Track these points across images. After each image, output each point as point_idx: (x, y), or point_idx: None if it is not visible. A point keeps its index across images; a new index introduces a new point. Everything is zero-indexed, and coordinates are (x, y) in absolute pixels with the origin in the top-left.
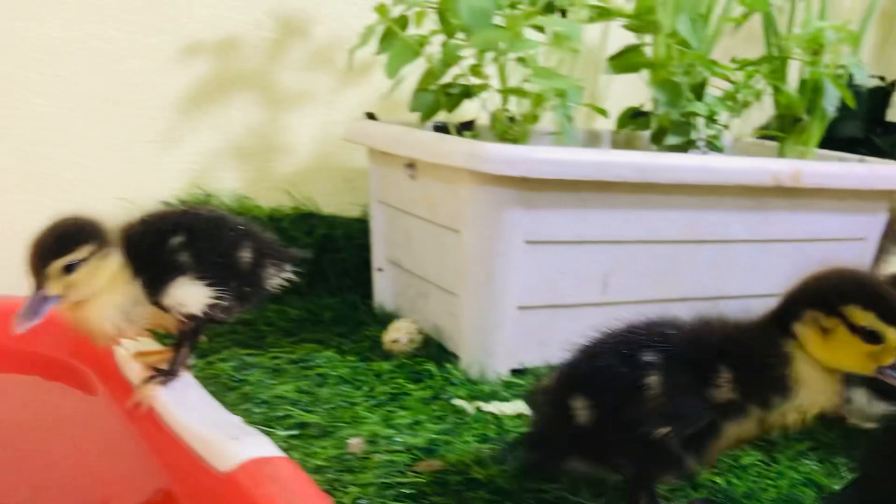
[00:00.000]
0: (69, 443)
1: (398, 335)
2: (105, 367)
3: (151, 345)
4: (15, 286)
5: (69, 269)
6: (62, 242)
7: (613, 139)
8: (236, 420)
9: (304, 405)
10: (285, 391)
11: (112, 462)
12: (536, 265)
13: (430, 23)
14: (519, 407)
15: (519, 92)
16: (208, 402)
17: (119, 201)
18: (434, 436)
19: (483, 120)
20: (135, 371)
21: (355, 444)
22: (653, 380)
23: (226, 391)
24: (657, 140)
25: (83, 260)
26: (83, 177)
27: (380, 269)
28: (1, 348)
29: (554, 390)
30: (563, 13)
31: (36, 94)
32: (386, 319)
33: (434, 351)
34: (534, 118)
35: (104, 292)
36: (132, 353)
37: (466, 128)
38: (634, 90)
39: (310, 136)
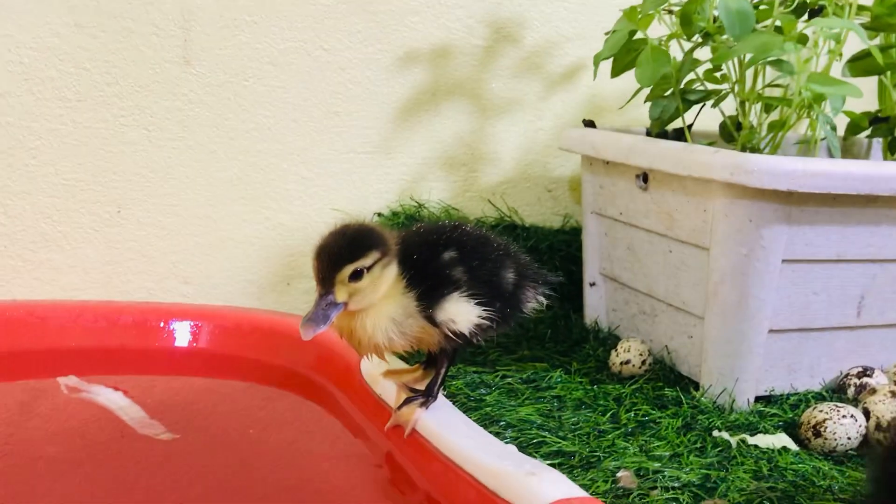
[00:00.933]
0: (319, 457)
1: (629, 356)
2: (349, 383)
3: (397, 363)
4: (236, 295)
5: (356, 275)
6: (352, 248)
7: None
8: (512, 449)
9: (553, 430)
10: (528, 414)
11: (365, 483)
12: (791, 286)
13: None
14: (784, 440)
15: (780, 100)
16: (475, 428)
17: (335, 212)
18: (704, 471)
19: (698, 127)
20: (385, 389)
21: (625, 477)
22: None
23: (466, 411)
24: (894, 149)
25: (369, 267)
26: (302, 188)
27: (592, 284)
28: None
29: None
30: (813, 13)
31: (258, 105)
32: (603, 337)
33: (666, 374)
34: (787, 126)
35: (381, 302)
36: (382, 370)
37: (679, 135)
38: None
39: (515, 145)
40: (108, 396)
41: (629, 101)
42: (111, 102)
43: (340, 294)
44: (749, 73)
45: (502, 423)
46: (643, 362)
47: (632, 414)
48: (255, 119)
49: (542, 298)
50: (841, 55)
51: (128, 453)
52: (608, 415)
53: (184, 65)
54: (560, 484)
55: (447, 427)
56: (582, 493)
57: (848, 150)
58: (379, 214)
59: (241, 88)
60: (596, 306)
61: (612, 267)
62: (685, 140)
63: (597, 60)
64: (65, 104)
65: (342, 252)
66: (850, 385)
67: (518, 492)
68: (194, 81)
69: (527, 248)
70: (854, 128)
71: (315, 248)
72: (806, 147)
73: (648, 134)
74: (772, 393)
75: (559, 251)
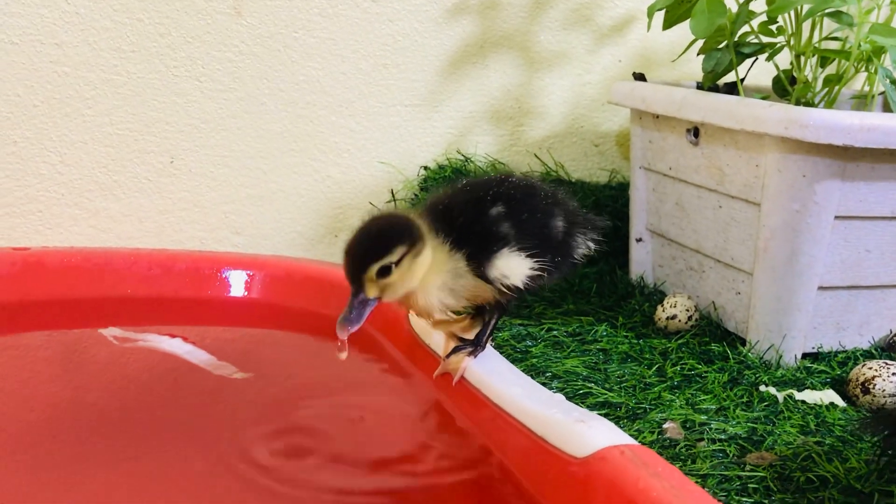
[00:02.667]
0: (373, 405)
1: (675, 312)
2: (397, 332)
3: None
4: (285, 246)
5: (383, 272)
6: (377, 246)
7: (884, 102)
8: (560, 398)
9: (599, 382)
10: (574, 366)
11: (419, 429)
12: (843, 242)
13: None
14: (832, 396)
15: (838, 52)
16: (523, 376)
17: (381, 165)
18: (751, 424)
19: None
20: (433, 339)
21: (672, 428)
22: None
23: (513, 362)
24: None
25: (397, 262)
26: (350, 140)
27: (639, 240)
28: (288, 309)
29: None
30: None
31: (307, 56)
32: (649, 293)
33: (713, 330)
34: (845, 80)
35: (426, 278)
36: (431, 321)
37: (732, 89)
38: None
39: (562, 99)
40: (169, 343)
41: (683, 52)
42: (164, 53)
43: (371, 291)
44: (806, 25)
45: (548, 374)
46: (689, 318)
47: (678, 368)
48: (304, 71)
49: (591, 244)
50: None
51: (209, 391)
52: (654, 368)
53: (235, 16)
54: (608, 431)
55: (495, 375)
56: (630, 441)
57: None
58: (425, 168)
59: (290, 40)
60: (642, 262)
61: (659, 222)
62: (738, 94)
63: (651, 11)
64: (119, 55)
65: (367, 251)
66: None
67: (567, 438)
68: (245, 33)
69: None
70: None
71: (344, 246)
72: (862, 102)
73: (700, 88)
74: (819, 350)
75: (606, 206)
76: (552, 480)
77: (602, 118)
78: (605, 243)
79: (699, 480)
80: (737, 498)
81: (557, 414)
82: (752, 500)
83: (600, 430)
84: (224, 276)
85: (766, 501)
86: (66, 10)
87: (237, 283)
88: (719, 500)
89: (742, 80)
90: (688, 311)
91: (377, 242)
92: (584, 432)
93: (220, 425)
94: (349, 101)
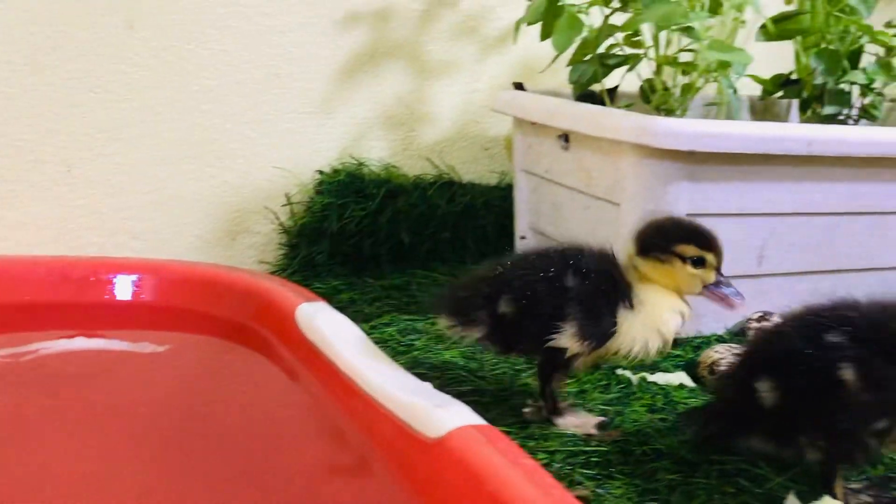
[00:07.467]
0: (255, 402)
1: None
2: (286, 330)
3: None
4: (184, 250)
5: None
6: None
7: (752, 106)
8: (428, 386)
9: (474, 371)
10: (452, 357)
11: (302, 422)
12: None
13: None
14: (682, 377)
15: (684, 64)
16: (397, 369)
17: (277, 170)
18: (606, 406)
19: (624, 87)
20: (318, 335)
21: (531, 411)
22: (849, 369)
23: (396, 355)
24: (806, 108)
25: None
26: (245, 146)
27: (523, 238)
28: (185, 311)
29: (738, 371)
30: None
31: (201, 68)
32: None
33: None
34: (695, 89)
35: None
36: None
37: (610, 96)
38: (771, 57)
39: (452, 106)
40: (72, 343)
41: (549, 64)
42: (58, 66)
43: None
44: (664, 38)
45: (427, 365)
46: None
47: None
48: (198, 81)
49: None
50: (744, 23)
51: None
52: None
53: (128, 29)
54: (461, 414)
55: (372, 370)
56: (480, 422)
57: (769, 110)
58: (320, 172)
59: (184, 52)
60: None
61: (539, 221)
62: (605, 103)
63: (517, 26)
64: (12, 67)
65: None
66: (750, 328)
67: (425, 421)
68: (139, 46)
69: (464, 204)
70: (771, 89)
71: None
72: (714, 109)
73: (581, 98)
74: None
75: (495, 206)
76: (414, 461)
77: (490, 124)
78: (495, 241)
79: (548, 456)
80: (580, 471)
81: (420, 400)
82: (593, 472)
83: (454, 413)
84: (119, 280)
85: (605, 472)
86: None
87: (129, 287)
88: (564, 473)
89: (615, 89)
90: None
91: None
92: (440, 416)
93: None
94: (244, 109)
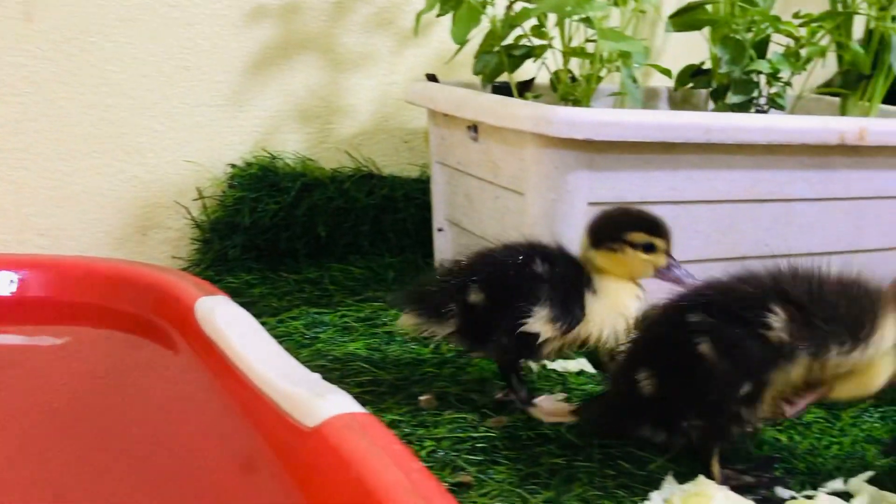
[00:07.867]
0: (152, 395)
1: None
2: (186, 324)
3: None
4: (92, 246)
5: None
6: None
7: (670, 97)
8: (316, 377)
9: (375, 362)
10: (355, 349)
11: (196, 415)
12: None
13: None
14: (582, 364)
15: (583, 54)
16: (289, 361)
17: (188, 164)
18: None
19: (541, 79)
20: (213, 328)
21: (427, 399)
22: (705, 342)
23: (299, 348)
24: (717, 98)
25: None
26: (154, 140)
27: (440, 230)
28: (85, 305)
29: (622, 363)
30: None
31: (106, 60)
32: None
33: None
34: (597, 79)
35: None
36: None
37: (526, 87)
38: (692, 47)
39: (369, 98)
40: None
41: (453, 56)
42: None
43: None
44: (570, 29)
45: (330, 357)
46: None
47: (451, 346)
48: (103, 74)
49: None
50: (643, 12)
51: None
52: (431, 347)
53: (26, 21)
54: (339, 403)
55: (262, 362)
56: (359, 409)
57: (687, 100)
58: (232, 166)
59: (87, 45)
60: (443, 250)
61: (454, 213)
62: (509, 93)
63: (418, 17)
64: None
65: None
66: None
67: (304, 410)
68: (39, 37)
69: (383, 197)
70: (682, 79)
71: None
72: (619, 98)
73: (496, 89)
74: None
75: (415, 199)
76: (294, 450)
77: (409, 116)
78: (415, 234)
79: (435, 443)
80: (466, 457)
81: (304, 391)
82: (479, 458)
83: (332, 402)
84: (21, 277)
85: (489, 458)
86: None
87: (33, 284)
88: (449, 460)
89: (532, 80)
90: None
91: None
92: (318, 404)
93: None
94: (152, 102)
